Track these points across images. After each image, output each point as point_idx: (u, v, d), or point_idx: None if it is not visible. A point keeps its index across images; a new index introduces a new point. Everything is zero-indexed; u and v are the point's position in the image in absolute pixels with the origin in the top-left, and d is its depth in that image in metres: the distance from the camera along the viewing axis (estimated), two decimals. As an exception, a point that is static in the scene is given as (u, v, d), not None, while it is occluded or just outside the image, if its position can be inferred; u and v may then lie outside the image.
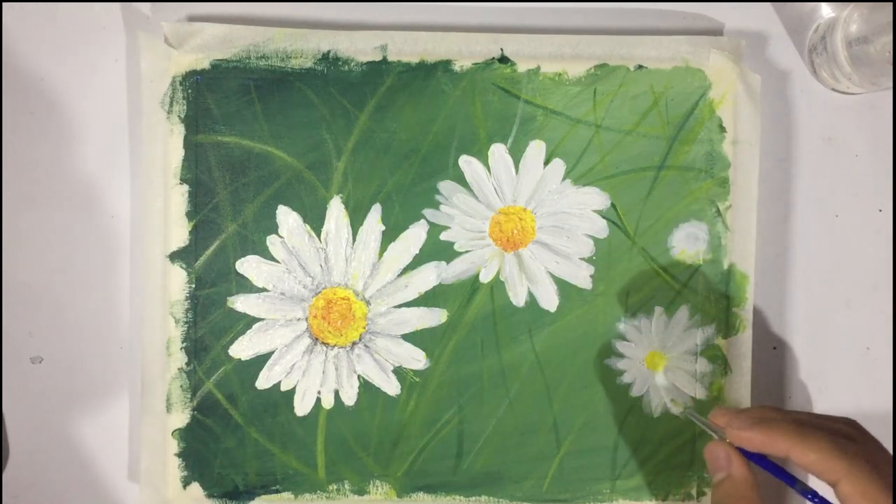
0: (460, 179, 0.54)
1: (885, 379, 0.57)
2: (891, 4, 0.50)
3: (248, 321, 0.54)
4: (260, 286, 0.54)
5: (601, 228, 0.54)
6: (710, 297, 0.55)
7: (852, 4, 0.54)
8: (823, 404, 0.57)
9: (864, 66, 0.53)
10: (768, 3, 0.56)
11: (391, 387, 0.54)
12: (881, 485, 0.40)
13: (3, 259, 0.54)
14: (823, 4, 0.56)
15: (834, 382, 0.57)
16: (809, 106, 0.57)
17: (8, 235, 0.54)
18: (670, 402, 0.54)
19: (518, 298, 0.54)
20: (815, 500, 0.44)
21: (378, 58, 0.53)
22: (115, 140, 0.55)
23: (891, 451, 0.56)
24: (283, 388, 0.54)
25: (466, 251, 0.54)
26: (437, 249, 0.54)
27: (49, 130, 0.54)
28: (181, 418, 0.54)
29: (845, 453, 0.41)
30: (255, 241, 0.54)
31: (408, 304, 0.54)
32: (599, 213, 0.54)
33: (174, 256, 0.53)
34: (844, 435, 0.44)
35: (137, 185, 0.55)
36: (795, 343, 0.57)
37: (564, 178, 0.54)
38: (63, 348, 0.55)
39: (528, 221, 0.54)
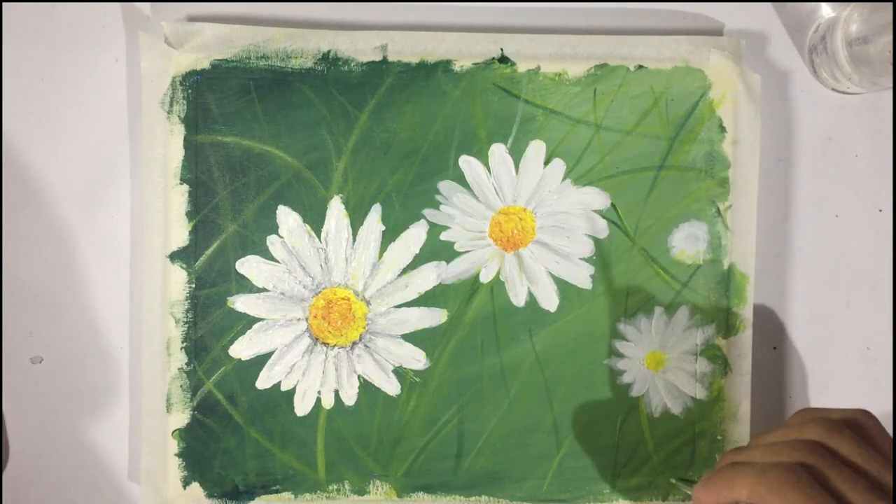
0: (460, 179, 0.54)
1: (885, 379, 0.57)
2: (891, 4, 0.50)
3: (248, 321, 0.54)
4: (260, 286, 0.54)
5: (601, 228, 0.54)
6: (710, 297, 0.55)
7: (852, 4, 0.54)
8: (823, 404, 0.57)
9: (865, 66, 0.53)
10: (768, 3, 0.56)
11: (391, 387, 0.54)
12: (802, 501, 0.41)
13: (3, 259, 0.54)
14: (823, 4, 0.56)
15: (834, 382, 0.57)
16: (809, 106, 0.57)
17: (8, 235, 0.54)
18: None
19: (518, 298, 0.54)
20: None
21: (378, 58, 0.53)
22: (114, 140, 0.55)
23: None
24: (284, 388, 0.54)
25: (466, 251, 0.54)
26: (437, 249, 0.54)
27: (49, 130, 0.54)
28: (181, 418, 0.54)
29: (764, 479, 0.41)
30: (255, 241, 0.54)
31: (408, 304, 0.54)
32: (599, 213, 0.54)
33: (174, 256, 0.53)
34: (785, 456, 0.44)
35: (137, 185, 0.55)
36: (795, 343, 0.57)
37: (564, 178, 0.54)
38: (63, 348, 0.55)
39: (529, 221, 0.54)
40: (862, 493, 0.41)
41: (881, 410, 0.57)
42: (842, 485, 0.42)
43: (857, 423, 0.45)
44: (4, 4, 0.54)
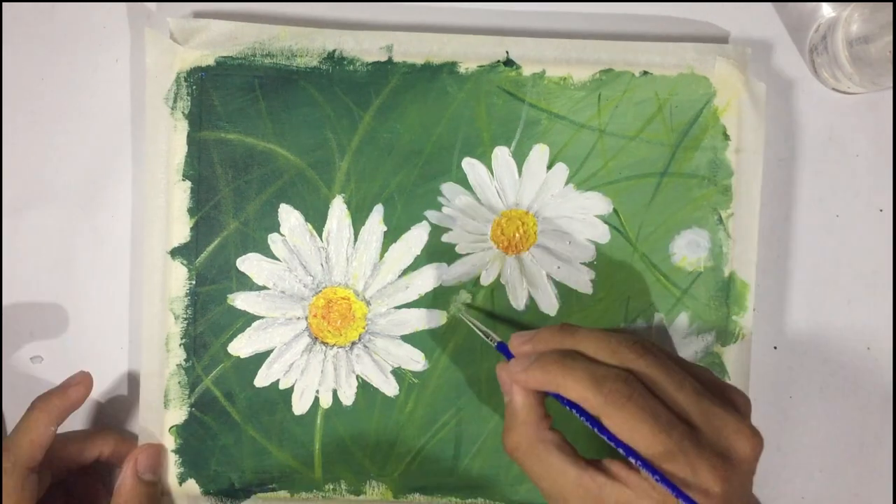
0: (463, 181, 0.54)
1: (885, 379, 0.57)
2: (891, 4, 0.50)
3: (247, 319, 0.54)
4: (260, 284, 0.54)
5: (603, 233, 0.54)
6: (710, 304, 0.55)
7: (853, 4, 0.53)
8: (824, 404, 0.57)
9: (865, 66, 0.53)
10: (769, 4, 0.56)
11: (389, 387, 0.54)
12: (638, 415, 0.41)
13: (3, 259, 0.54)
14: (824, 4, 0.56)
15: (834, 382, 0.57)
16: (810, 106, 0.57)
17: (8, 235, 0.54)
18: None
19: (518, 302, 0.54)
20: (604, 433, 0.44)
21: (383, 58, 0.53)
22: (117, 136, 0.54)
23: (892, 452, 0.56)
24: (282, 386, 0.54)
25: (468, 253, 0.54)
26: (438, 251, 0.54)
27: (49, 130, 0.54)
28: (179, 415, 0.54)
29: (600, 391, 0.42)
30: (256, 238, 0.53)
31: (408, 306, 0.54)
32: (601, 218, 0.54)
33: (175, 253, 0.53)
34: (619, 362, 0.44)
35: (140, 181, 0.55)
36: (795, 343, 0.57)
37: (567, 183, 0.54)
38: (63, 348, 0.55)
39: (530, 225, 0.54)
40: (690, 394, 0.42)
41: (881, 410, 0.57)
42: (669, 387, 0.43)
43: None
44: (4, 4, 0.54)
